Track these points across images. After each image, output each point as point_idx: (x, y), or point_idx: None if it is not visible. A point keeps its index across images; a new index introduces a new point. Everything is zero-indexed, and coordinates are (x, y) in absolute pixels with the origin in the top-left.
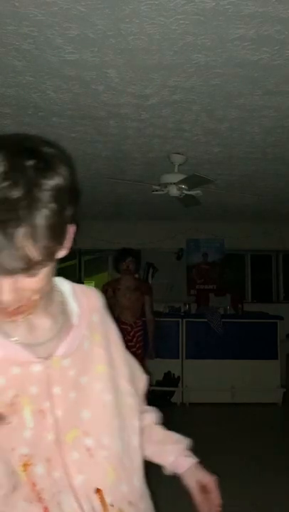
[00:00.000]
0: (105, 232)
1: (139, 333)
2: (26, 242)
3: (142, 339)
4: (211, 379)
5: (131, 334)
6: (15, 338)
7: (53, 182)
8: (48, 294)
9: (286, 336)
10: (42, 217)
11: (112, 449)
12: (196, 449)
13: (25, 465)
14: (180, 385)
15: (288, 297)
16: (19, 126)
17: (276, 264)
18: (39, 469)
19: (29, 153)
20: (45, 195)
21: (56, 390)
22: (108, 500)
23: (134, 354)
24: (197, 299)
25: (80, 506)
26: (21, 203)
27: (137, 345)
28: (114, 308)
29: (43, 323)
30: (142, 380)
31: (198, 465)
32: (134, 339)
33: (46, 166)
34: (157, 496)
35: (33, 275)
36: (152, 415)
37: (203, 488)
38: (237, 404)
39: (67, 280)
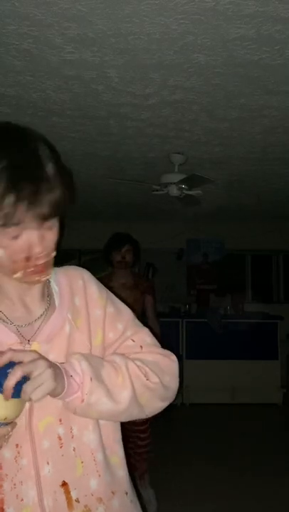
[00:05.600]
0: (105, 232)
1: None
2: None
3: None
4: (211, 379)
5: None
6: (11, 322)
7: (44, 147)
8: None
9: (286, 336)
10: (51, 167)
11: (83, 441)
12: (196, 450)
13: None
14: (180, 385)
15: None
16: None
17: (276, 264)
18: (6, 453)
19: (31, 140)
20: (46, 157)
21: None
22: (74, 495)
23: None
24: (197, 299)
25: (40, 501)
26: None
27: None
28: None
29: (35, 303)
30: (141, 332)
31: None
32: None
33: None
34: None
35: (53, 227)
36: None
37: None
38: (237, 405)
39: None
